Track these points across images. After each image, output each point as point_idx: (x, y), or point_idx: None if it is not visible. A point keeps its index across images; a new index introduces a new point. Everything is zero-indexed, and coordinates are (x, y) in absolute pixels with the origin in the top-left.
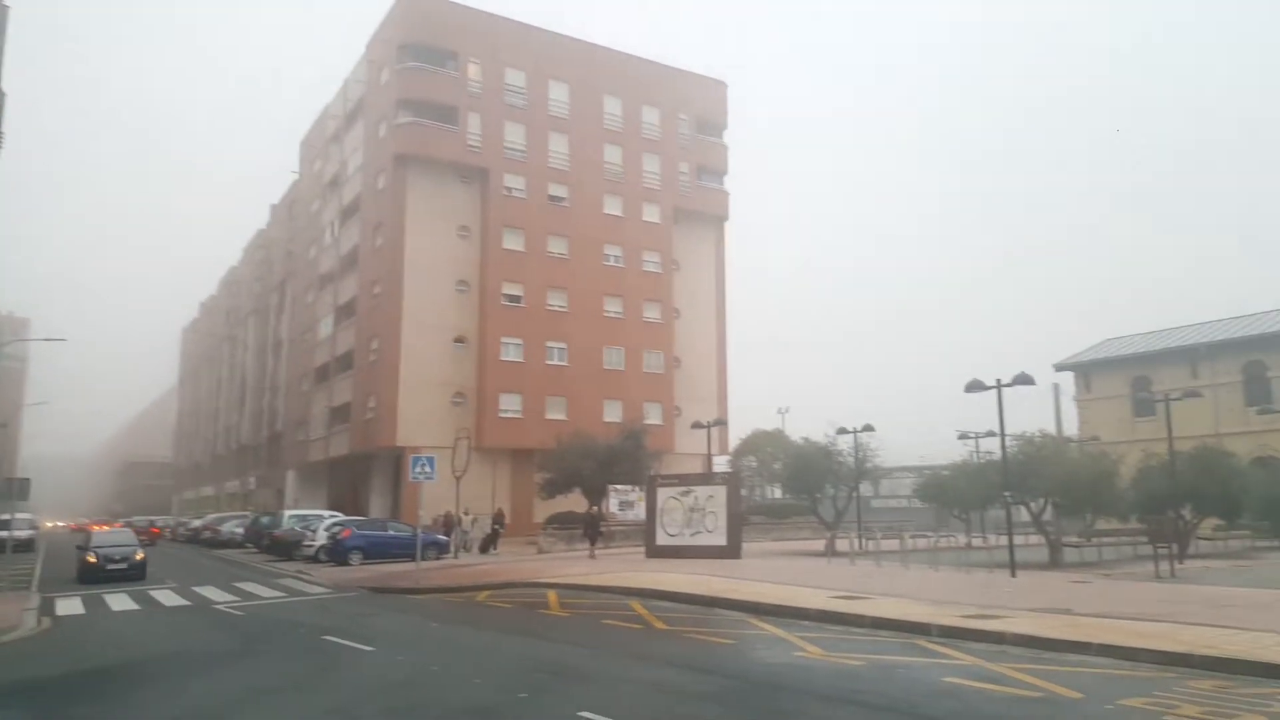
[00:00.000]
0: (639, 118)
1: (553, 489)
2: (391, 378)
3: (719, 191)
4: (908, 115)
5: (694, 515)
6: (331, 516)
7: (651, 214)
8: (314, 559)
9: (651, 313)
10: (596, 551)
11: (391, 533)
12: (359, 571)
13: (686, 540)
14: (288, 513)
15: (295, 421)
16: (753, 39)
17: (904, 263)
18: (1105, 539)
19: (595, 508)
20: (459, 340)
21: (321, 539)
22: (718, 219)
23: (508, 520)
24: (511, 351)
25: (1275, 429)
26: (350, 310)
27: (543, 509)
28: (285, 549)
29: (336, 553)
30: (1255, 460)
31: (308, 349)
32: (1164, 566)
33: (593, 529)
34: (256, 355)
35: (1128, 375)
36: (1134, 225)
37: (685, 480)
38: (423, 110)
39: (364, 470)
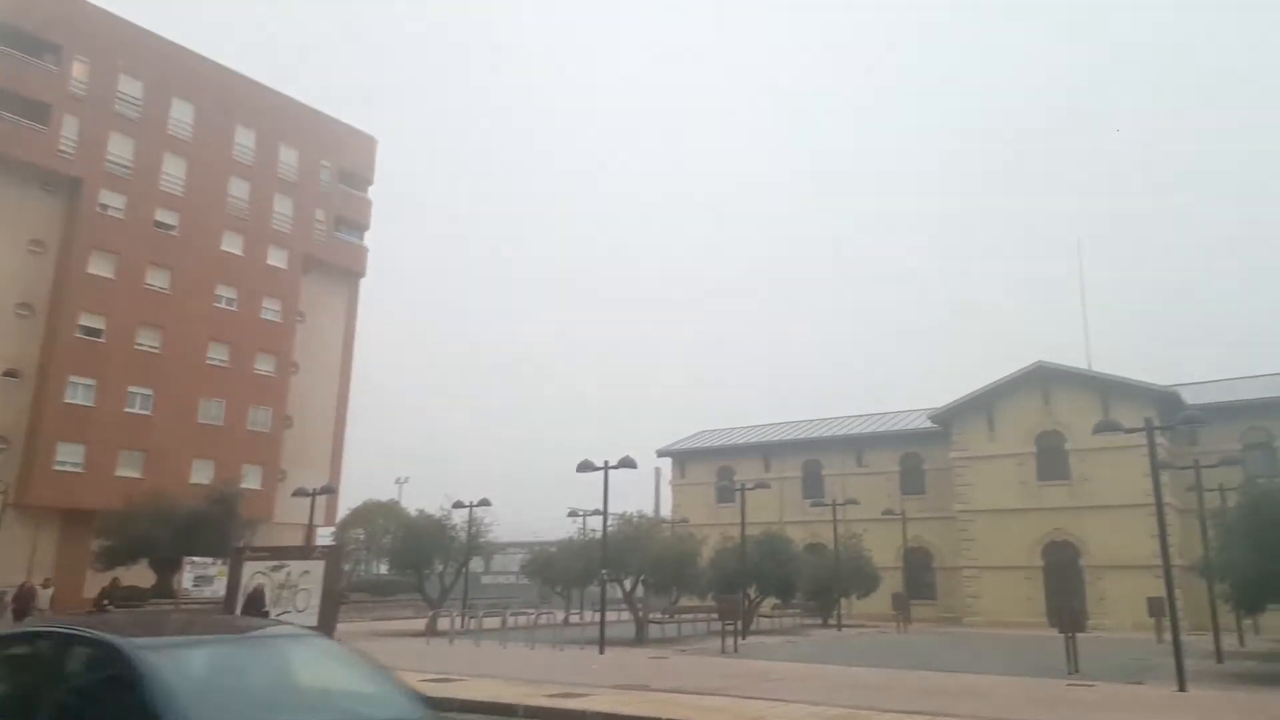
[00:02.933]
0: (275, 155)
1: (112, 559)
2: None
3: (357, 246)
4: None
5: (284, 593)
6: None
7: (278, 258)
8: None
9: (265, 365)
10: None
11: None
12: None
13: None
14: None
15: None
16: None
17: (536, 342)
18: (685, 616)
19: (26, 582)
20: (9, 374)
21: None
22: (353, 274)
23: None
24: (80, 393)
25: (825, 519)
26: None
27: (97, 581)
28: None
29: None
30: (808, 546)
31: None
32: (729, 642)
33: (22, 604)
34: None
35: (715, 464)
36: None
37: (279, 553)
38: (6, 102)
39: None
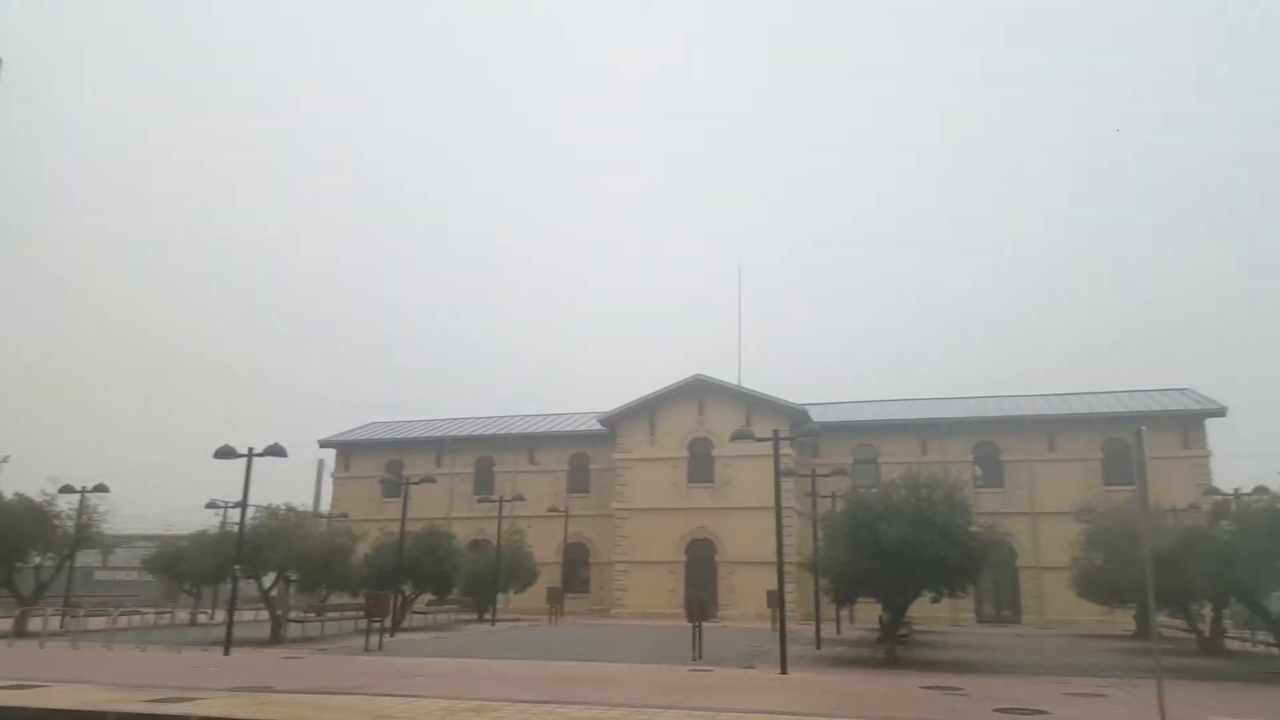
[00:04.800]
0: None
1: None
2: None
3: None
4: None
5: None
6: None
7: None
8: None
9: None
10: None
11: None
12: None
13: None
14: None
15: None
16: None
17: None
18: (332, 614)
19: None
20: None
21: None
22: None
23: None
24: None
25: (492, 516)
26: None
27: None
28: None
29: None
30: (473, 542)
31: None
32: (375, 640)
33: None
34: None
35: (384, 457)
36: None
37: None
38: None
39: None
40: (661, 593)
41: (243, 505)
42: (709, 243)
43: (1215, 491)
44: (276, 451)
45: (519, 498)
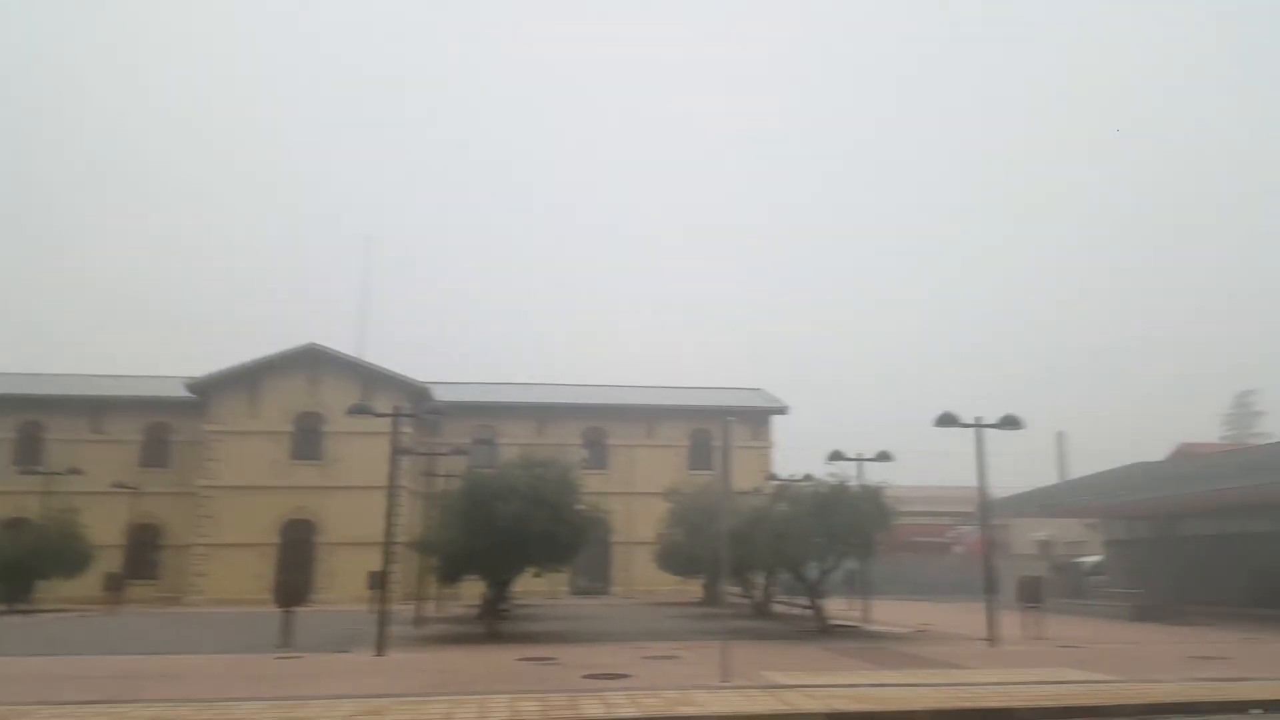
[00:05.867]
0: None
1: None
2: None
3: None
4: None
5: None
6: None
7: None
8: None
9: None
10: None
11: None
12: None
13: None
14: None
15: None
16: None
17: None
18: None
19: None
20: None
21: None
22: None
23: None
24: None
25: (36, 490)
26: None
27: None
28: None
29: None
30: (9, 521)
31: None
32: None
33: None
34: None
35: None
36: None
37: None
38: None
39: None
40: (248, 577)
41: None
42: (338, 213)
43: (775, 478)
44: None
45: (76, 471)
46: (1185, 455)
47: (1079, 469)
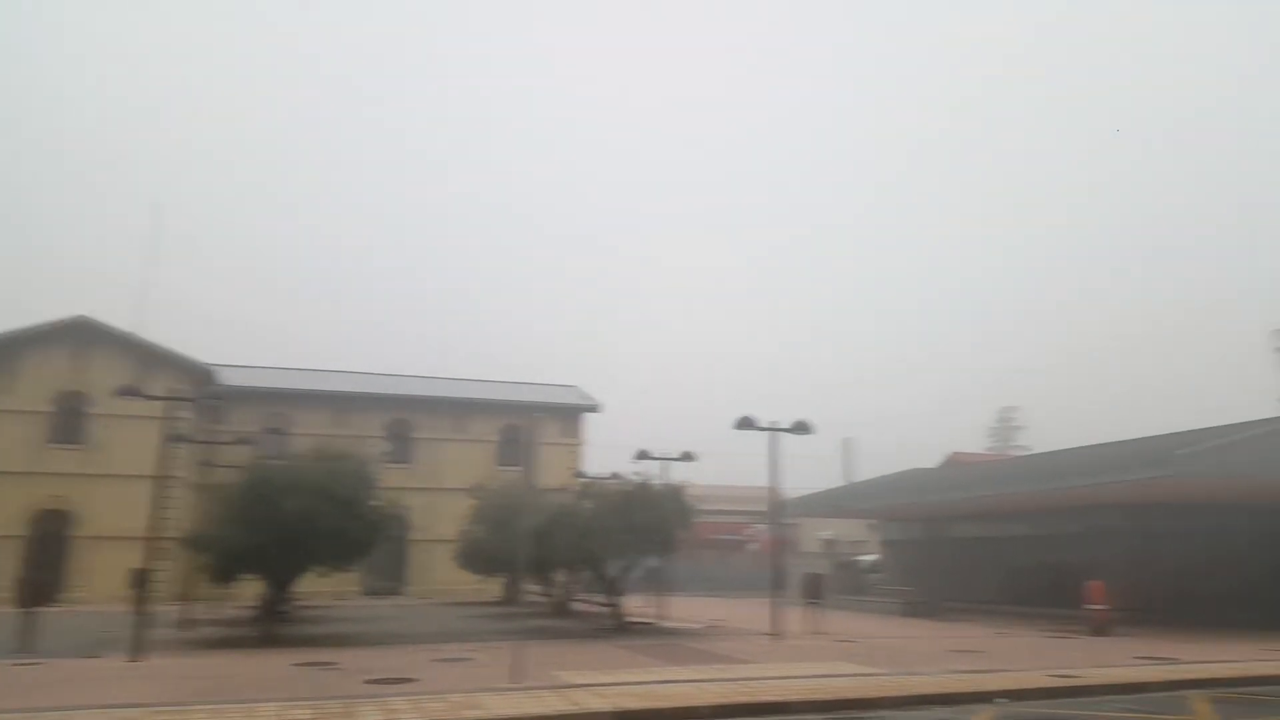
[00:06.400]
0: None
1: None
2: None
3: None
4: None
5: None
6: None
7: None
8: None
9: None
10: None
11: None
12: None
13: None
14: None
15: None
16: None
17: None
18: None
19: None
20: None
21: None
22: None
23: None
24: None
25: None
26: None
27: None
28: None
29: None
30: None
31: None
32: None
33: None
34: None
35: None
36: None
37: None
38: None
39: None
40: None
41: None
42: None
43: (583, 475)
44: None
45: None
46: (954, 463)
47: (868, 472)
